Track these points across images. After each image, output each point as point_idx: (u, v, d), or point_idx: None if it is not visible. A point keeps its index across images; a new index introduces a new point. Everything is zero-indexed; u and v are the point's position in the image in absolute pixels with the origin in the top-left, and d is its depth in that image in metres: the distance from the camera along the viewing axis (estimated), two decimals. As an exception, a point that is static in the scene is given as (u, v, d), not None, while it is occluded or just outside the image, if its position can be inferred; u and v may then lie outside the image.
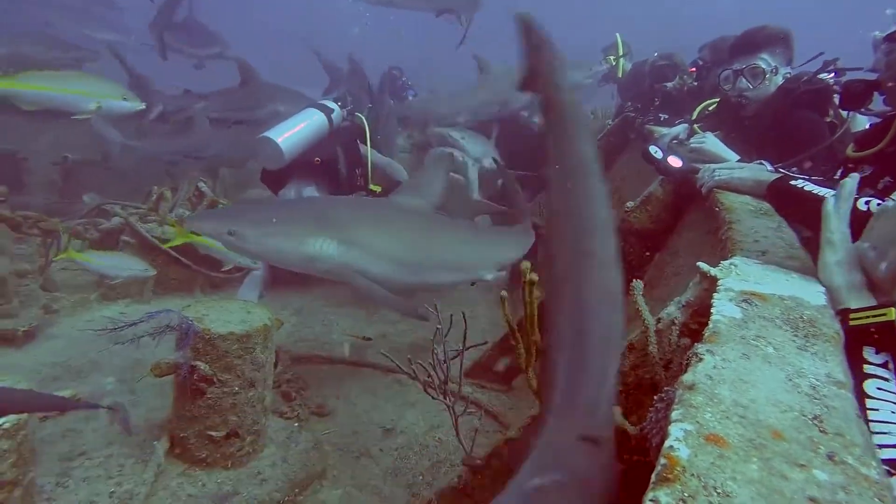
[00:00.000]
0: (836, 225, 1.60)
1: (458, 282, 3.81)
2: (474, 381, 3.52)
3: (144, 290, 4.45)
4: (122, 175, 6.15)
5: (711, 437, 0.73)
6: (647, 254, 3.02)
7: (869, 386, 1.24)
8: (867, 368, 1.28)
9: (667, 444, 0.69)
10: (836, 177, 2.34)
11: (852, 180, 1.68)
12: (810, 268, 1.63)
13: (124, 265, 4.01)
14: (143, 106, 5.63)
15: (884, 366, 1.29)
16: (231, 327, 2.57)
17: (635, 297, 1.29)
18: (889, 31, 2.30)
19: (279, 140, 4.26)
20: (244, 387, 2.64)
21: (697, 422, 0.75)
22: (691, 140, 3.04)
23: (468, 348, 2.47)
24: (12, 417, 2.05)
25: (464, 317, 2.46)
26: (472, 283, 3.94)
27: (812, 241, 1.98)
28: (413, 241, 3.47)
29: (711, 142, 2.95)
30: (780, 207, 2.22)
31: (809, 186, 2.08)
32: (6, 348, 3.50)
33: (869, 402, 1.20)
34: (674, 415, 0.76)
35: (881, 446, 1.11)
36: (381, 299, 3.28)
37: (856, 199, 1.71)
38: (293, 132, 4.35)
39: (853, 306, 1.40)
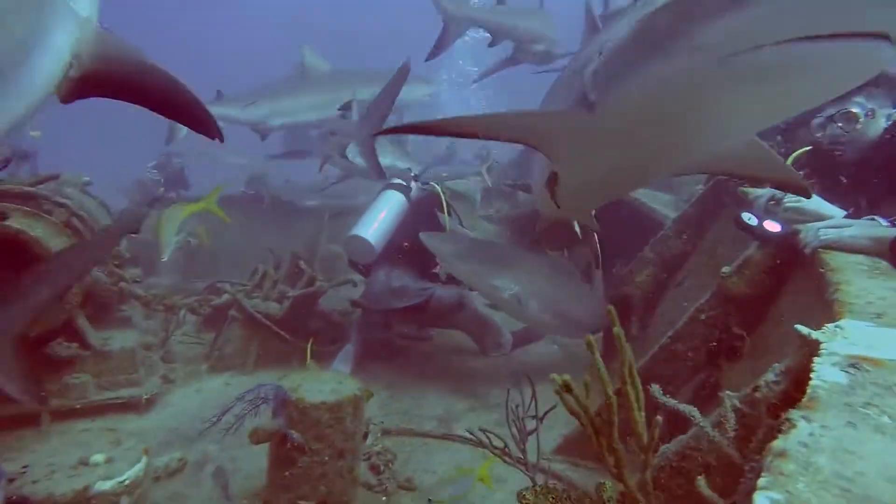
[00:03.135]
0: None
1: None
2: (567, 456, 3.33)
3: (247, 363, 4.75)
4: (233, 256, 6.79)
5: (805, 508, 0.66)
6: (750, 320, 2.81)
7: None
8: None
9: (750, 513, 0.64)
10: None
11: None
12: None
13: None
14: None
15: None
16: (322, 397, 2.68)
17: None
18: None
19: (369, 237, 4.55)
20: (334, 457, 2.70)
21: (788, 491, 0.69)
22: (786, 199, 2.86)
23: (542, 418, 2.40)
24: (131, 472, 2.24)
25: (533, 390, 2.42)
26: None
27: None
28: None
29: (808, 199, 2.76)
30: None
31: None
32: (131, 414, 3.85)
33: None
34: (760, 482, 0.70)
35: None
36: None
37: None
38: (379, 223, 4.64)
39: None
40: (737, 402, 1.21)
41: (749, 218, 2.67)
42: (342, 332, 5.16)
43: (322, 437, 2.67)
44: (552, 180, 2.83)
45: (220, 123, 1.88)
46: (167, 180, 9.19)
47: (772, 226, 2.61)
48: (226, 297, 4.99)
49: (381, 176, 5.40)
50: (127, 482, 2.34)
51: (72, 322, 3.84)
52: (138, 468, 2.44)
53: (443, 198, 4.93)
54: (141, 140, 10.68)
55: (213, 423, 2.66)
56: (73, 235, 4.00)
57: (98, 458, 2.43)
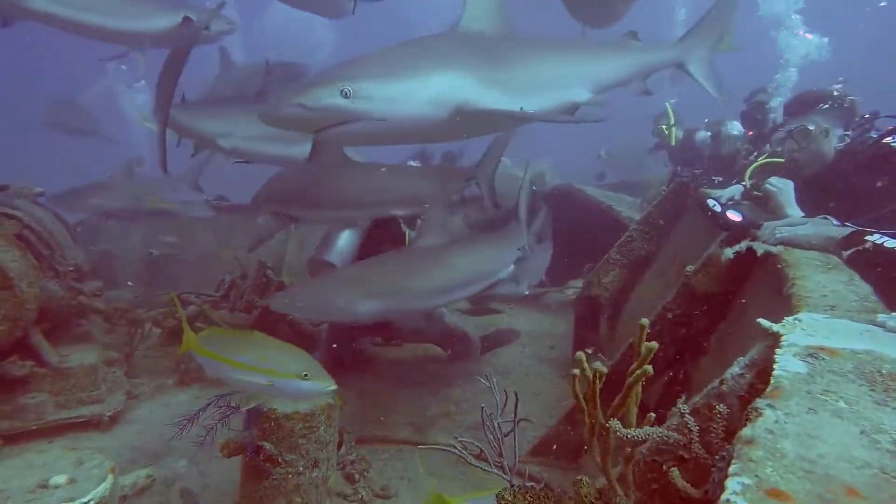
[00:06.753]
0: None
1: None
2: (541, 458, 3.37)
3: (217, 375, 4.64)
4: (199, 267, 6.64)
5: (773, 491, 0.69)
6: (713, 316, 2.90)
7: None
8: None
9: (722, 498, 0.67)
10: None
11: None
12: (887, 321, 1.52)
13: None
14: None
15: None
16: (295, 407, 2.64)
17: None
18: None
19: (333, 260, 4.46)
20: (308, 467, 2.66)
21: (757, 475, 0.72)
22: (769, 181, 2.95)
23: (519, 421, 2.42)
24: (97, 492, 2.16)
25: (516, 395, 2.45)
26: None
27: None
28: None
29: (787, 190, 2.86)
30: (854, 263, 2.11)
31: (890, 242, 1.98)
32: (94, 432, 3.71)
33: None
34: (731, 469, 0.73)
35: None
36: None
37: None
38: (342, 243, 4.60)
39: None
40: (686, 411, 1.25)
41: (714, 205, 2.78)
42: (312, 341, 5.09)
43: (295, 447, 2.63)
44: None
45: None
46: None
47: (733, 216, 2.72)
48: (192, 308, 4.86)
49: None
50: (92, 503, 2.26)
51: (26, 339, 3.68)
52: (104, 487, 2.35)
53: None
54: (97, 150, 10.36)
55: (181, 430, 2.58)
56: (24, 248, 3.85)
57: (59, 479, 2.33)
